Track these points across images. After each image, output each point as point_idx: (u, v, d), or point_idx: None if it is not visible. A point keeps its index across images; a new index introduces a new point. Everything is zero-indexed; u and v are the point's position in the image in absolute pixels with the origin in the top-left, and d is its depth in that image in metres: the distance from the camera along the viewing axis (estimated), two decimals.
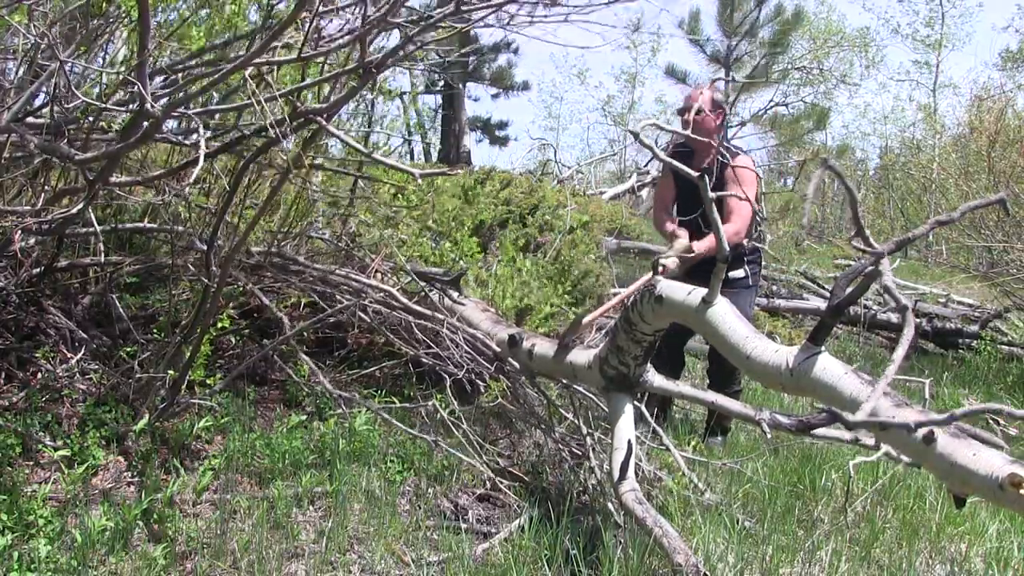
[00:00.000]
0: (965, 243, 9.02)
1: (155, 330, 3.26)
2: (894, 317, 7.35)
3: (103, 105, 2.40)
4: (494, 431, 3.55)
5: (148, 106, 1.95)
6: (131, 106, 2.39)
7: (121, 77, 2.52)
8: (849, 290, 2.06)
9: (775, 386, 2.23)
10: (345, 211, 4.12)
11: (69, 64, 2.41)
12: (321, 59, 2.64)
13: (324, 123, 2.14)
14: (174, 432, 2.86)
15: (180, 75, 2.75)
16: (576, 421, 3.29)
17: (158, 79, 2.82)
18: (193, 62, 2.75)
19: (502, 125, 20.19)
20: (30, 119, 2.54)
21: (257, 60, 2.07)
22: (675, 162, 2.51)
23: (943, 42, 27.12)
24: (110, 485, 2.62)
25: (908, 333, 1.78)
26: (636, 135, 2.23)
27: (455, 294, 3.76)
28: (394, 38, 2.84)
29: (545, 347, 3.14)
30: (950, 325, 7.48)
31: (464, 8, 2.12)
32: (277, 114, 2.09)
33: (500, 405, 3.31)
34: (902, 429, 1.67)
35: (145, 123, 2.09)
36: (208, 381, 3.02)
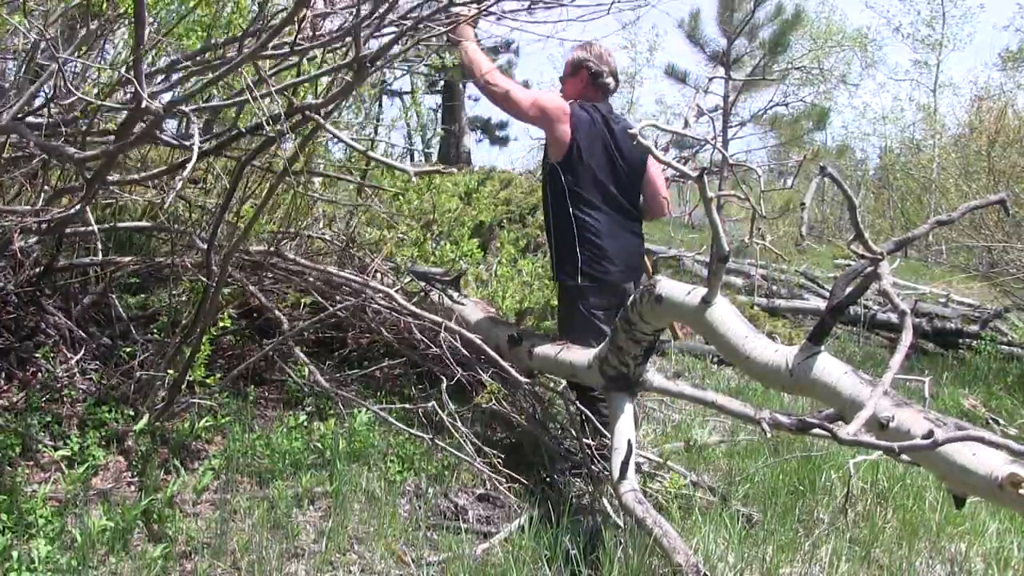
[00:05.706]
0: (965, 243, 9.03)
1: (155, 330, 3.26)
2: (894, 317, 7.34)
3: (100, 103, 2.39)
4: (494, 431, 3.55)
5: (144, 104, 1.95)
6: (128, 102, 2.39)
7: (118, 75, 2.52)
8: (849, 290, 2.06)
9: (775, 386, 2.23)
10: (346, 212, 4.12)
11: (71, 63, 2.40)
12: (317, 54, 2.64)
13: (320, 119, 2.13)
14: (174, 432, 2.86)
15: (178, 73, 2.74)
16: (575, 421, 3.28)
17: (158, 77, 2.81)
18: (190, 62, 2.74)
19: (502, 125, 20.20)
20: (30, 119, 2.54)
21: (248, 51, 2.06)
22: (675, 164, 2.51)
23: (944, 42, 27.13)
24: (110, 485, 2.62)
25: (906, 339, 1.79)
26: (634, 136, 2.23)
27: (455, 294, 3.76)
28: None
29: (545, 346, 3.14)
30: (950, 325, 7.47)
31: (456, 4, 2.11)
32: (274, 110, 2.08)
33: (499, 405, 3.31)
34: (892, 444, 1.66)
35: (142, 121, 2.08)
36: (208, 381, 3.02)
